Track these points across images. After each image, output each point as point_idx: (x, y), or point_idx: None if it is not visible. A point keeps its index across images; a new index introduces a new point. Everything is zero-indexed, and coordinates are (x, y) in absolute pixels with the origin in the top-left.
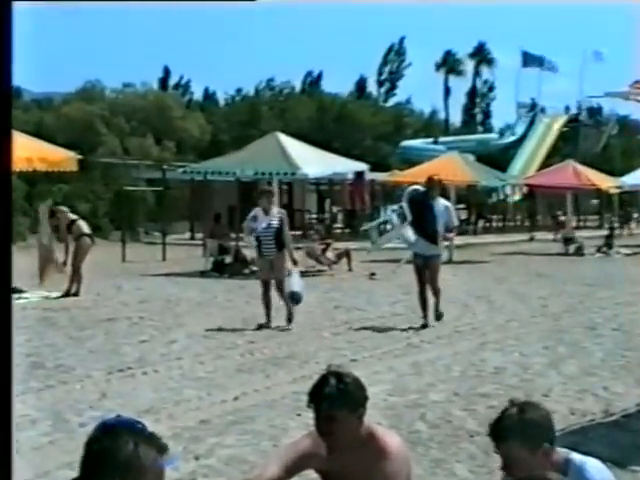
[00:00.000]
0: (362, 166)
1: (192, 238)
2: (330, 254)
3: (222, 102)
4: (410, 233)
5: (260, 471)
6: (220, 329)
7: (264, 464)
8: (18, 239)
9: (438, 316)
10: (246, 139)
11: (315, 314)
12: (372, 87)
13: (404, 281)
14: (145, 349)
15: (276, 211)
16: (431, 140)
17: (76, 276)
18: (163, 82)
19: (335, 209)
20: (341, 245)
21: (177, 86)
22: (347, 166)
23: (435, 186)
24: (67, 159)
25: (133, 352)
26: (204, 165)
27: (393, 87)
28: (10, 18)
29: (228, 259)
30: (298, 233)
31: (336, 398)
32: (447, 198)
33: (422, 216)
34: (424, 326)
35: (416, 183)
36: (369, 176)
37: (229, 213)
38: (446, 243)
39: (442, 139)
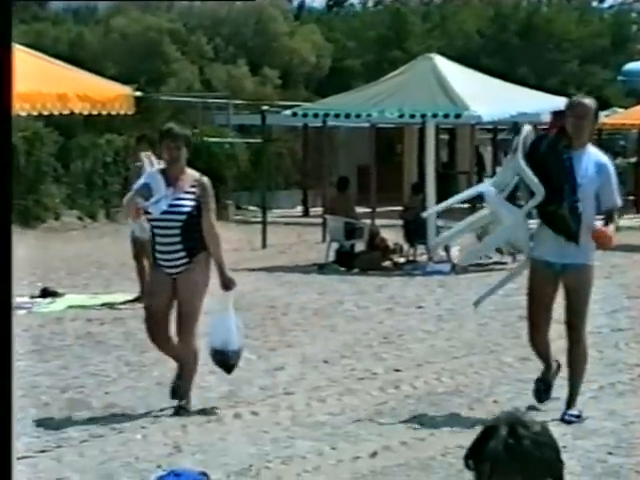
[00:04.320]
0: (564, 103)
1: (305, 214)
2: None
3: (350, 10)
4: (516, 221)
5: None
6: (348, 350)
7: None
8: (48, 217)
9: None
10: (386, 65)
11: (491, 328)
12: None
13: (630, 278)
14: (238, 380)
15: (189, 178)
16: None
17: (141, 270)
18: None
19: None
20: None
21: None
22: (540, 103)
23: (579, 124)
24: (119, 97)
25: (220, 385)
26: (323, 104)
27: None
28: None
29: (360, 245)
30: (464, 206)
31: (507, 463)
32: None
33: (550, 186)
34: (539, 396)
35: None
36: None
37: (360, 177)
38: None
39: None
